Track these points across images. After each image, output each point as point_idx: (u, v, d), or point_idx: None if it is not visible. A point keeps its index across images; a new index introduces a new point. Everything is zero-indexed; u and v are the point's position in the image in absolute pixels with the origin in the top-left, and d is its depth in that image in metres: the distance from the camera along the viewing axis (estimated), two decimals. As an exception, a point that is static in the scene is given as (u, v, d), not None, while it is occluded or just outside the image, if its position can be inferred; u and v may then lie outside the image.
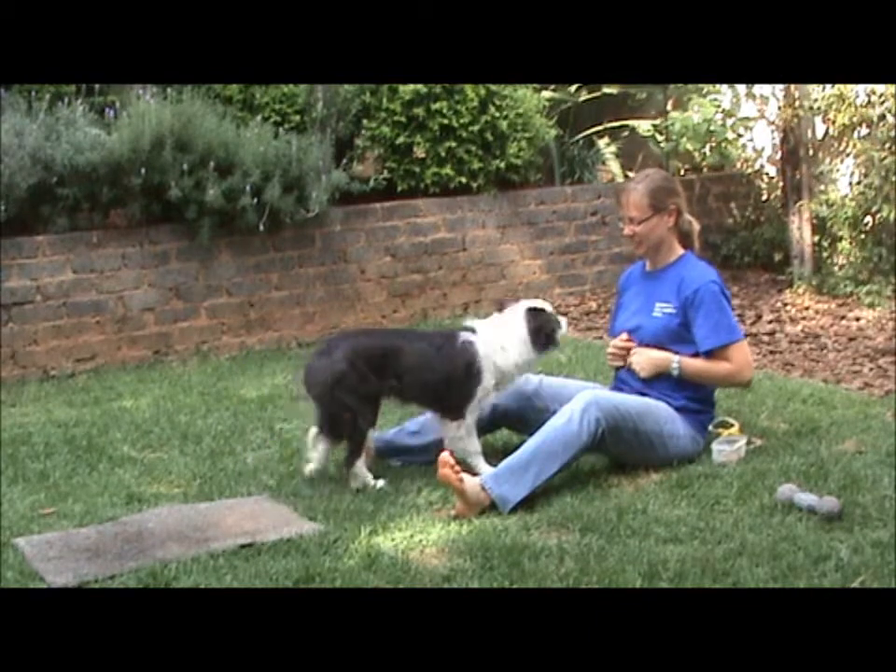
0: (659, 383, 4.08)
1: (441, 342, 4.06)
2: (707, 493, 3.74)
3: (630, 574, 3.11)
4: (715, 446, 4.07)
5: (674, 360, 4.05)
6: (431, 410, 4.11)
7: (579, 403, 3.82)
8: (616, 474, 3.97)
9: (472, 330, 4.06)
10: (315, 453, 4.05)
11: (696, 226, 4.28)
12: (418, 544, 3.44)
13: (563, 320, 4.21)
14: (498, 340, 4.03)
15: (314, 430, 4.04)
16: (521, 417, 4.21)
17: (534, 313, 4.09)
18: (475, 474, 3.72)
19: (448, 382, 3.96)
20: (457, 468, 3.66)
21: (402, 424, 4.34)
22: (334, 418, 3.93)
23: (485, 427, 4.26)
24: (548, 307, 4.18)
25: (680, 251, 4.22)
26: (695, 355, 4.07)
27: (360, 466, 3.93)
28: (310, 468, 4.07)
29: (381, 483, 3.95)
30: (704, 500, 3.68)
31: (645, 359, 4.09)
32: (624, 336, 4.20)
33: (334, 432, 3.96)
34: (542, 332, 4.06)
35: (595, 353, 5.77)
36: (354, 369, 3.87)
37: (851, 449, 4.14)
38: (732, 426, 4.18)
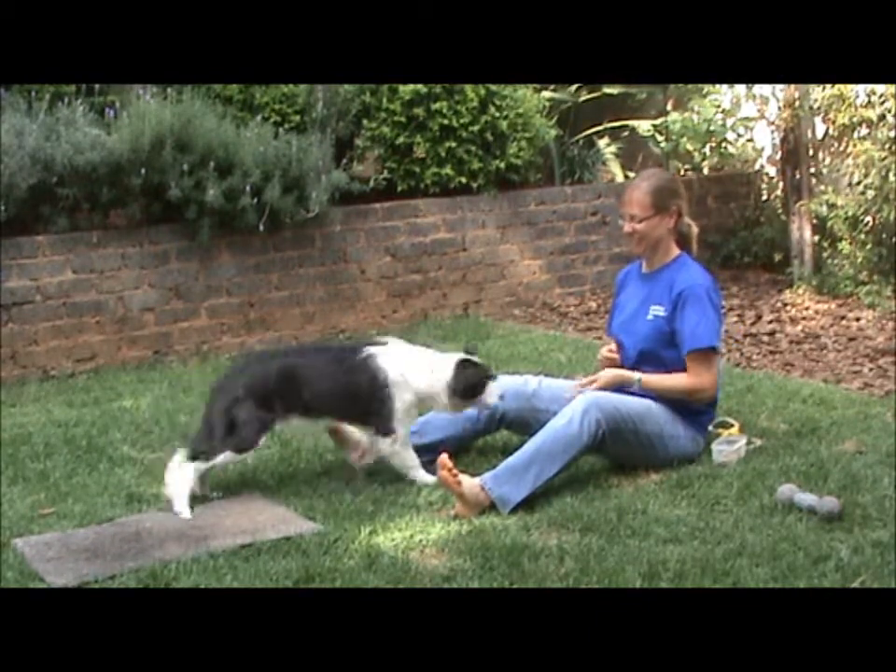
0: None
1: (343, 356, 4.02)
2: (707, 493, 3.74)
3: (630, 574, 3.11)
4: (715, 446, 4.07)
5: (635, 376, 4.03)
6: (356, 426, 4.04)
7: (579, 404, 3.82)
8: (616, 474, 3.97)
9: (383, 345, 4.01)
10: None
11: (695, 229, 4.27)
12: (418, 544, 3.44)
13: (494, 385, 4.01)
14: (415, 363, 3.96)
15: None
16: (520, 418, 4.21)
17: (465, 364, 3.98)
18: (474, 475, 3.72)
19: (353, 395, 3.91)
20: (454, 470, 3.66)
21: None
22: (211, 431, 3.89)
23: (485, 428, 4.26)
24: (482, 364, 4.07)
25: (676, 252, 4.21)
26: None
27: (204, 468, 3.87)
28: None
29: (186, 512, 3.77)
30: (704, 500, 3.68)
31: (608, 374, 4.08)
32: (613, 346, 4.23)
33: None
34: (465, 387, 3.95)
35: (595, 353, 5.73)
36: (251, 396, 3.85)
37: (851, 449, 4.14)
38: (732, 426, 4.18)
